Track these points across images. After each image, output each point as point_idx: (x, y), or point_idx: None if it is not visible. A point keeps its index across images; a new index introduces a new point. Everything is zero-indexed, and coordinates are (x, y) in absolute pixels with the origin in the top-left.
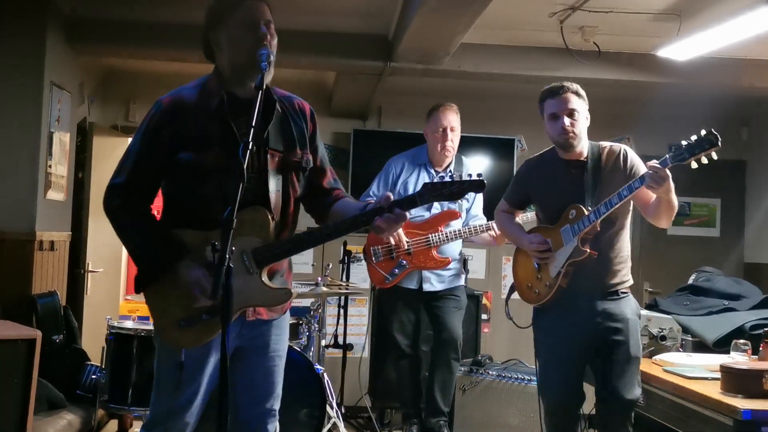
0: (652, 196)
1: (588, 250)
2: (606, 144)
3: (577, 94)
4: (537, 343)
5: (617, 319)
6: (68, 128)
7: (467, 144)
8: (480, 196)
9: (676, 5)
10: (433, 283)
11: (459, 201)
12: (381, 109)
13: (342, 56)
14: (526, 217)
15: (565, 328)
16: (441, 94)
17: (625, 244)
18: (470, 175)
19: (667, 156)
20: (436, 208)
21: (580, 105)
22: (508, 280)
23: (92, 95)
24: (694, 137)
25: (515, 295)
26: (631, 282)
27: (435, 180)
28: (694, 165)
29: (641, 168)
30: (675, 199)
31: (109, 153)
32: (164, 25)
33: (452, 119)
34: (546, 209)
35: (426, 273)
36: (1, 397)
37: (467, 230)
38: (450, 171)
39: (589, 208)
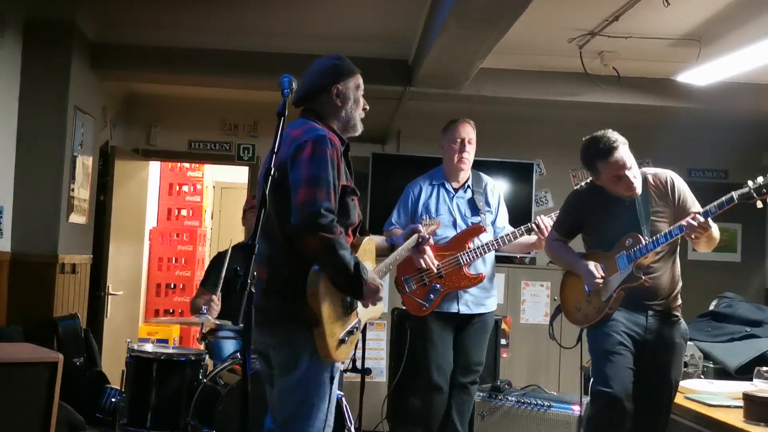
0: None
1: (642, 277)
2: (651, 171)
3: (625, 144)
4: (591, 345)
5: (666, 343)
6: (91, 152)
7: (487, 168)
8: (504, 208)
9: (696, 31)
10: (470, 305)
11: (482, 214)
12: (400, 133)
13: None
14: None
15: (619, 332)
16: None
17: (676, 269)
18: None
19: (712, 205)
20: (461, 226)
21: (630, 153)
22: (528, 304)
23: (114, 119)
24: (761, 179)
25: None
26: (681, 307)
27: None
28: (759, 205)
29: (688, 197)
30: (716, 234)
31: (131, 176)
32: (185, 50)
33: (469, 132)
34: (599, 238)
35: (463, 295)
36: (23, 419)
37: (497, 241)
38: (468, 186)
39: (646, 238)
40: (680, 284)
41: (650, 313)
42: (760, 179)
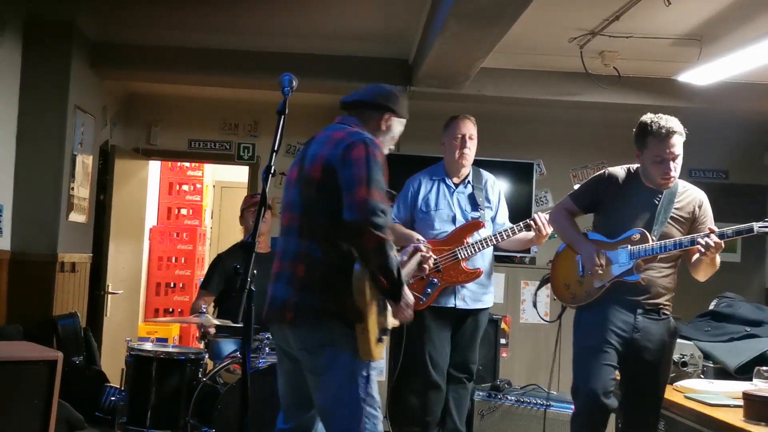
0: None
1: (639, 277)
2: (686, 185)
3: (682, 135)
4: (576, 339)
5: (655, 341)
6: (91, 151)
7: (486, 167)
8: (504, 205)
9: (697, 30)
10: (467, 301)
11: (482, 210)
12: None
13: (362, 80)
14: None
15: (606, 330)
16: None
17: (674, 272)
18: None
19: (729, 229)
20: (460, 221)
21: (682, 149)
22: (527, 304)
23: (115, 119)
24: None
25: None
26: (671, 307)
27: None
28: None
29: (709, 219)
30: (718, 261)
31: (131, 176)
32: (186, 50)
33: (470, 128)
34: (610, 220)
35: (461, 290)
36: (22, 417)
37: (495, 237)
38: (469, 182)
39: (654, 238)
40: (673, 293)
41: (639, 311)
42: None
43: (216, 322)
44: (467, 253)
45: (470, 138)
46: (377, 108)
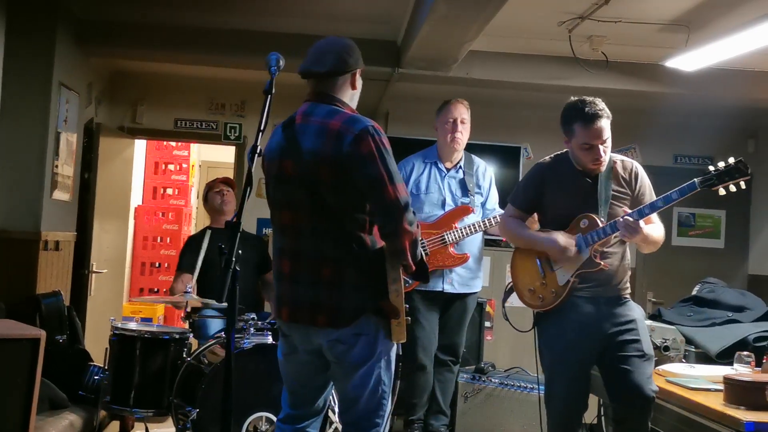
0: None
1: (601, 263)
2: (618, 157)
3: (609, 117)
4: (542, 349)
5: (625, 321)
6: (75, 129)
7: (474, 151)
8: (495, 191)
9: (685, 16)
10: (455, 285)
11: (472, 195)
12: (388, 114)
13: None
14: None
15: (572, 332)
16: None
17: (628, 253)
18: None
19: (674, 191)
20: (449, 205)
21: (609, 128)
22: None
23: (100, 97)
24: (722, 164)
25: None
26: (629, 290)
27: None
28: (722, 192)
29: (647, 190)
30: (654, 239)
31: (116, 154)
32: (173, 27)
33: (462, 112)
34: (555, 215)
35: (449, 273)
36: (4, 396)
37: (484, 222)
38: (460, 167)
39: (603, 220)
40: (629, 272)
41: (602, 300)
42: (721, 164)
43: (200, 300)
44: (455, 238)
45: (462, 122)
46: (346, 70)
